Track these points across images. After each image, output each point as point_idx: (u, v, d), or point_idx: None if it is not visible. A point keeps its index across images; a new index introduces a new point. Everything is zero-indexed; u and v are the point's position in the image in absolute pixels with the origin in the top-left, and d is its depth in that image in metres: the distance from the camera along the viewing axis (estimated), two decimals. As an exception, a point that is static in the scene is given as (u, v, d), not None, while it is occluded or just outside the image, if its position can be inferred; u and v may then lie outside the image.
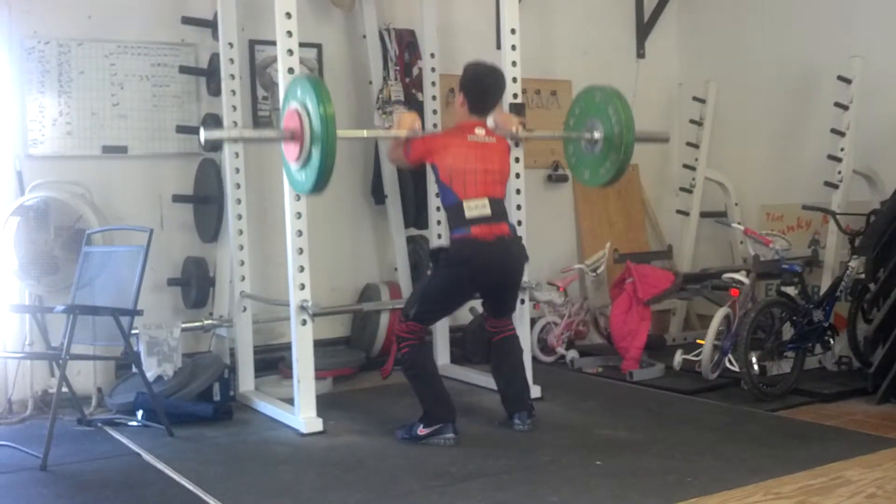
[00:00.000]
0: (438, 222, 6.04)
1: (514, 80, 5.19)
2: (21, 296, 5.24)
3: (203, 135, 4.25)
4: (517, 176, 5.24)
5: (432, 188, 6.12)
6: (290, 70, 4.59)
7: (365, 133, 5.50)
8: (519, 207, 5.23)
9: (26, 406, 5.21)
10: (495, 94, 4.71)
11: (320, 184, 4.13)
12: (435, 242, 5.89)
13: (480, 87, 4.66)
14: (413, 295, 4.79)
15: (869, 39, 6.18)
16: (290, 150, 4.26)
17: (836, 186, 5.98)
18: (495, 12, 5.89)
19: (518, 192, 5.24)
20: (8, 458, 4.36)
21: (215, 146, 5.68)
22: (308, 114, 4.08)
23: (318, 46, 6.28)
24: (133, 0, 5.73)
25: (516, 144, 5.14)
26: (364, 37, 6.29)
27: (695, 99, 7.18)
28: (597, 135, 4.82)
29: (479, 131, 4.60)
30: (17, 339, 5.29)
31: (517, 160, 5.25)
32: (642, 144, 7.33)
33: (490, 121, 4.67)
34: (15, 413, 5.18)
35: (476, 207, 4.45)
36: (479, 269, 4.48)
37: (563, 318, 6.46)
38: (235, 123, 5.51)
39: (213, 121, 5.70)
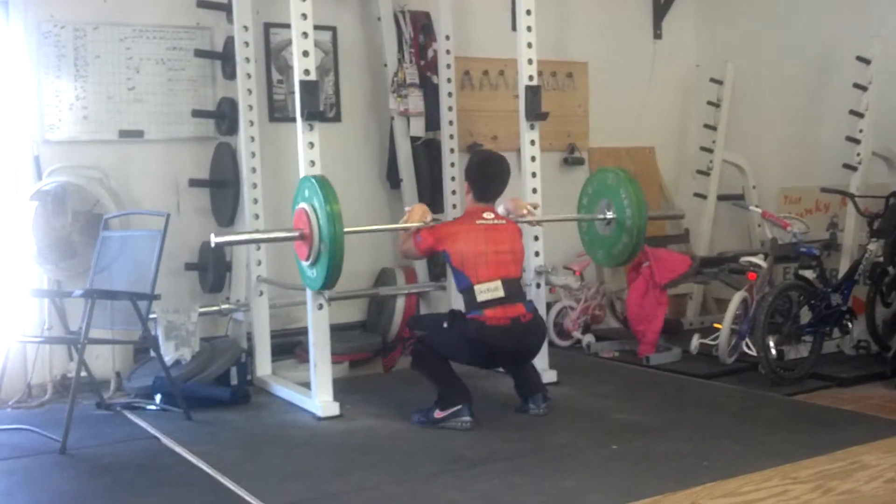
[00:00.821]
0: (454, 206, 6.05)
1: (530, 61, 5.16)
2: (40, 280, 5.27)
3: (214, 240, 4.32)
4: (532, 159, 5.22)
5: (448, 172, 6.12)
6: (305, 53, 4.58)
7: (373, 228, 5.62)
8: (535, 191, 5.21)
9: (45, 390, 5.25)
10: (500, 182, 4.75)
11: (330, 280, 4.29)
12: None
13: (485, 175, 4.74)
14: (428, 322, 4.87)
15: (889, 19, 6.11)
16: (300, 250, 4.38)
17: (854, 168, 5.93)
18: (511, -6, 5.86)
19: (534, 175, 5.22)
20: (28, 441, 4.40)
21: (230, 130, 5.70)
22: (316, 213, 4.20)
23: (333, 29, 6.26)
24: (148, -16, 5.74)
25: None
26: (379, 19, 6.27)
27: (712, 80, 7.12)
28: (609, 215, 4.97)
29: (488, 215, 4.64)
30: (36, 323, 5.32)
31: (532, 143, 5.23)
32: (660, 126, 7.44)
33: (501, 209, 4.78)
34: (34, 397, 5.22)
35: (488, 290, 4.46)
36: (491, 353, 4.52)
37: (579, 302, 6.45)
38: (251, 107, 5.51)
39: (230, 105, 5.70)
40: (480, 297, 4.45)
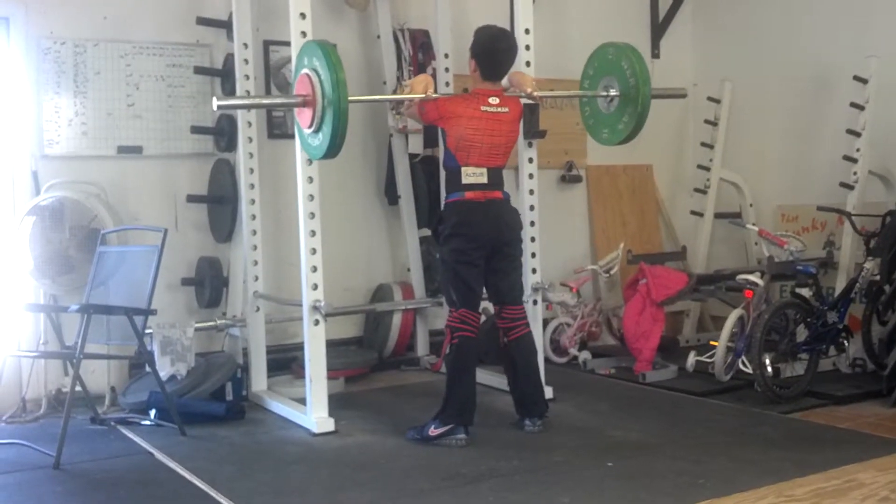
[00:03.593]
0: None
1: (528, 80, 5.18)
2: (36, 295, 5.27)
3: (216, 103, 4.30)
4: (530, 176, 5.24)
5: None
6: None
7: (377, 98, 5.54)
8: (532, 208, 5.22)
9: (40, 405, 5.23)
10: (508, 59, 4.67)
11: (333, 149, 4.17)
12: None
13: (492, 52, 4.63)
14: (443, 284, 4.81)
15: (885, 39, 6.14)
16: (303, 117, 4.30)
17: (851, 187, 5.94)
18: (509, 12, 5.87)
19: (531, 192, 5.23)
20: (22, 456, 4.40)
21: (229, 146, 5.72)
22: (320, 78, 4.12)
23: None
24: (148, 1, 5.76)
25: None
26: (378, 37, 6.30)
27: (709, 99, 7.15)
28: (612, 91, 4.87)
29: (493, 100, 4.58)
30: (31, 338, 5.32)
31: (530, 160, 5.25)
32: (657, 144, 7.46)
33: (505, 80, 4.69)
34: (29, 412, 5.20)
35: (473, 175, 4.54)
36: (475, 226, 4.52)
37: (575, 318, 6.45)
38: (249, 124, 5.54)
39: (228, 122, 5.73)
40: (465, 180, 4.54)
